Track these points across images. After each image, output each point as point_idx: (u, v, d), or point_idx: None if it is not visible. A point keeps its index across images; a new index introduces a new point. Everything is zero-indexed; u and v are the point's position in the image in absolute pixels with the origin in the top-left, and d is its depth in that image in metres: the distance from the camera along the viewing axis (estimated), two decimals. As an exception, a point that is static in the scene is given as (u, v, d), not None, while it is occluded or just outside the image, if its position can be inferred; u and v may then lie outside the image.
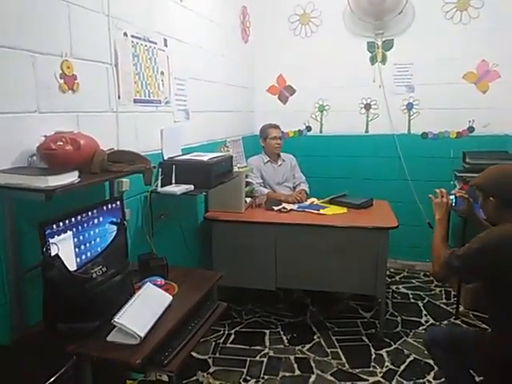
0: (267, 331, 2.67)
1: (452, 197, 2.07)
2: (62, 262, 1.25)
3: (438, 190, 2.00)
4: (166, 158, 2.27)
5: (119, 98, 1.89)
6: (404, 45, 3.46)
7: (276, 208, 2.84)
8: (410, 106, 3.53)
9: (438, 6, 3.35)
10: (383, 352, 2.45)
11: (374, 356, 2.42)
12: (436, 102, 3.44)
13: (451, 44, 3.35)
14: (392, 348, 2.49)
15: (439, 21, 3.36)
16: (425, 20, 3.39)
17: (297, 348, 2.50)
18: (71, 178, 1.30)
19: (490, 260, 1.57)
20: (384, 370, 2.30)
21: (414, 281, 3.43)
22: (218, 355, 2.43)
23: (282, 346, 2.52)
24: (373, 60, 3.54)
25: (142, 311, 1.37)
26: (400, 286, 3.32)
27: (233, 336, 2.63)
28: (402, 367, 2.30)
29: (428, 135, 3.53)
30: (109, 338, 1.30)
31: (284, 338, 2.61)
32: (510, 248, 1.55)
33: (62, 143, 1.40)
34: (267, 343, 2.55)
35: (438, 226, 1.90)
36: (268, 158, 3.28)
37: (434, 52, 3.39)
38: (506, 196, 1.68)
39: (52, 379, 1.03)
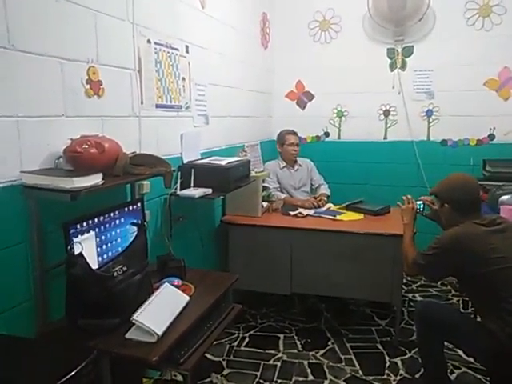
0: (281, 335, 2.68)
1: (420, 203, 2.24)
2: (85, 261, 1.30)
3: (404, 197, 2.24)
4: (185, 161, 2.32)
5: (142, 103, 1.95)
6: (424, 51, 3.44)
7: (292, 213, 2.86)
8: (429, 113, 3.51)
9: (460, 12, 3.33)
10: (398, 360, 2.43)
11: (388, 364, 2.40)
12: (456, 109, 3.41)
13: (472, 50, 3.32)
14: (407, 356, 2.47)
15: (461, 27, 3.34)
16: (446, 26, 3.37)
17: (310, 353, 2.50)
18: (95, 179, 1.35)
19: (448, 258, 1.83)
20: (398, 378, 2.28)
21: (431, 289, 3.38)
22: (232, 358, 2.45)
23: (295, 351, 2.53)
24: (392, 66, 3.53)
25: (160, 310, 1.41)
26: (416, 295, 3.29)
27: (247, 339, 2.65)
28: (417, 376, 2.28)
29: (447, 142, 3.50)
30: (127, 335, 1.34)
31: (298, 342, 2.62)
32: (463, 247, 1.78)
33: (87, 146, 1.45)
34: (281, 347, 2.56)
35: (406, 230, 2.16)
36: (284, 164, 3.30)
37: (454, 58, 3.37)
38: (457, 201, 1.91)
39: (73, 372, 1.07)
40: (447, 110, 3.45)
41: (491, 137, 3.41)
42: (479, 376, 2.26)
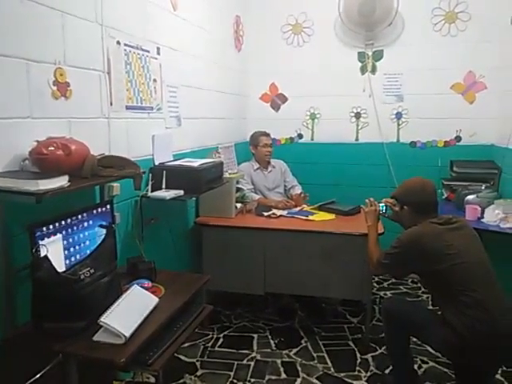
0: (255, 335, 2.71)
1: (382, 205, 2.32)
2: (51, 263, 1.29)
3: (367, 200, 2.36)
4: (157, 163, 2.32)
5: (111, 104, 1.94)
6: (393, 55, 3.54)
7: (266, 214, 2.89)
8: (398, 116, 3.61)
9: (427, 18, 3.44)
10: (368, 357, 2.49)
11: (359, 360, 2.46)
12: (424, 112, 3.53)
13: (439, 55, 3.44)
14: (377, 353, 2.53)
15: (428, 32, 3.45)
16: (414, 31, 3.48)
17: (284, 352, 2.53)
18: (61, 182, 1.34)
19: (408, 256, 1.93)
20: (368, 374, 2.34)
21: (401, 287, 3.47)
22: (205, 358, 2.46)
23: (269, 350, 2.55)
24: (363, 70, 3.62)
25: (128, 312, 1.41)
26: (388, 292, 3.37)
27: (221, 340, 2.66)
28: (387, 371, 2.34)
29: (416, 144, 3.61)
30: (95, 338, 1.34)
31: (272, 342, 2.65)
32: (421, 244, 1.87)
33: (53, 148, 1.44)
34: (255, 347, 2.58)
35: (371, 231, 2.28)
36: (258, 165, 3.34)
37: (422, 63, 3.48)
38: (415, 204, 2.02)
39: (37, 376, 1.07)
40: (416, 112, 3.56)
41: (458, 138, 3.53)
42: (446, 369, 2.35)
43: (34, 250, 1.30)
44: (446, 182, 3.34)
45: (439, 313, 1.93)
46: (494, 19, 3.25)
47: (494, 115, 3.35)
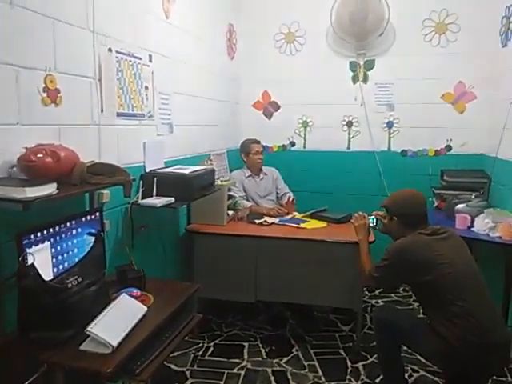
0: (246, 344, 2.69)
1: (372, 217, 2.32)
2: (37, 272, 1.28)
3: (357, 214, 2.36)
4: (148, 170, 2.31)
5: (102, 111, 1.94)
6: (385, 65, 3.58)
7: (258, 221, 2.88)
8: (390, 125, 3.64)
9: (418, 29, 3.48)
10: (359, 365, 2.49)
11: (350, 369, 2.45)
12: (415, 121, 3.56)
13: (430, 65, 3.48)
14: (368, 361, 2.52)
15: (419, 43, 3.49)
16: (405, 42, 3.52)
17: (274, 361, 2.52)
18: (49, 189, 1.33)
19: (398, 268, 1.93)
20: (359, 383, 2.33)
21: (393, 295, 3.48)
22: (195, 367, 2.44)
23: (260, 359, 2.54)
24: (355, 79, 3.65)
25: (116, 321, 1.40)
26: (379, 300, 3.37)
27: (212, 348, 2.64)
28: (377, 380, 2.33)
29: (407, 153, 3.64)
30: (82, 347, 1.32)
31: (262, 350, 2.63)
32: (410, 255, 1.88)
33: (41, 155, 1.43)
34: (245, 356, 2.56)
35: (362, 245, 2.26)
36: (250, 173, 3.34)
37: (413, 73, 3.51)
38: (405, 216, 2.02)
39: (22, 387, 1.05)
40: (407, 121, 3.59)
41: (448, 148, 3.57)
42: (436, 378, 2.35)
43: (20, 259, 1.28)
44: (436, 191, 3.36)
45: (429, 322, 1.93)
46: (483, 30, 3.30)
47: (483, 125, 3.38)
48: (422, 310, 2.19)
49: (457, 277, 1.81)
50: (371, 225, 2.33)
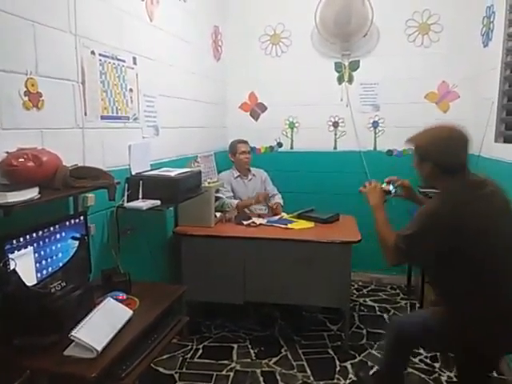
0: (235, 345, 2.69)
1: (391, 186, 1.99)
2: (19, 277, 1.26)
3: (366, 183, 2.00)
4: (133, 173, 2.30)
5: (86, 114, 1.93)
6: (369, 65, 3.61)
7: (245, 222, 2.89)
8: (375, 124, 3.67)
9: (401, 29, 3.52)
10: (348, 364, 2.50)
11: (338, 368, 2.47)
12: (400, 121, 3.58)
13: (414, 65, 3.52)
14: (356, 360, 2.54)
15: (402, 43, 3.52)
16: (389, 42, 3.55)
17: (263, 362, 2.52)
18: (31, 194, 1.33)
19: (431, 238, 1.57)
20: (347, 381, 2.35)
21: (381, 294, 3.51)
22: (184, 370, 2.43)
23: (249, 360, 2.54)
24: (340, 80, 3.68)
25: (101, 325, 1.39)
26: (367, 299, 3.40)
27: (201, 351, 2.63)
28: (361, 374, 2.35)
29: (393, 152, 3.68)
30: (66, 353, 1.31)
31: (252, 351, 2.63)
32: (444, 225, 1.55)
33: (23, 160, 1.42)
34: (235, 357, 2.56)
35: (376, 212, 1.81)
36: (238, 173, 3.35)
37: (397, 73, 3.54)
38: (444, 164, 1.64)
39: (4, 394, 1.04)
40: (392, 121, 3.62)
41: (433, 147, 3.60)
42: (423, 376, 2.37)
43: (1, 264, 1.27)
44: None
45: (444, 302, 1.68)
46: (464, 30, 3.35)
47: (467, 124, 3.36)
48: (437, 293, 1.80)
49: (503, 253, 1.56)
50: (389, 191, 1.96)
